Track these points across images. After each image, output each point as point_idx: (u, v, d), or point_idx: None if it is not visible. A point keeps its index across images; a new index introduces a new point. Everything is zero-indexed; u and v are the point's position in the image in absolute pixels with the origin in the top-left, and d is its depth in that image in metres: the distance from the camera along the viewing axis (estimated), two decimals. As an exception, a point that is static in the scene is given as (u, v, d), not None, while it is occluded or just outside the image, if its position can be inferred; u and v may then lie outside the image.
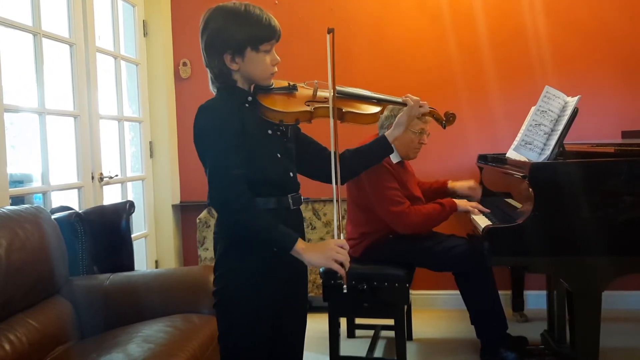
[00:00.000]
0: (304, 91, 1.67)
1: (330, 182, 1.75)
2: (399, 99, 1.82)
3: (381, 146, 1.80)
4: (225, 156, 1.47)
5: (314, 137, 1.79)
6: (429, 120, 2.77)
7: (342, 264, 1.48)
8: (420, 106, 1.79)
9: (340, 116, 1.67)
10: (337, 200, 1.54)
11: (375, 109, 1.72)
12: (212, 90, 1.63)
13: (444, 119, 1.93)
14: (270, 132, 1.59)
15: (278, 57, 1.59)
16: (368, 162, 1.87)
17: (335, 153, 1.57)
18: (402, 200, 2.63)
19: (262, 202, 1.53)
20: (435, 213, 2.66)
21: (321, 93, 1.66)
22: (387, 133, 1.80)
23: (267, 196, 1.54)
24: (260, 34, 1.53)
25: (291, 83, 1.65)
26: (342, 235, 1.55)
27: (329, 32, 1.61)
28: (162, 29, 3.76)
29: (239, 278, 1.54)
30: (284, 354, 1.67)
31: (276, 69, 1.60)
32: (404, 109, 1.80)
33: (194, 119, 1.52)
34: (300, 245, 1.47)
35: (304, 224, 1.74)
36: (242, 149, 1.50)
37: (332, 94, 1.60)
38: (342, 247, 1.50)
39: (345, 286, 1.52)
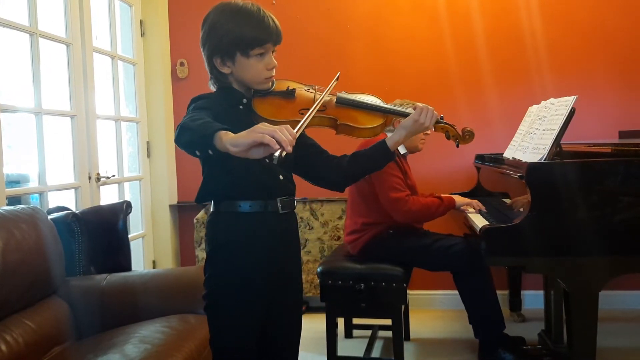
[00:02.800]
0: (304, 97, 1.59)
1: (327, 188, 1.73)
2: (410, 112, 1.67)
3: (381, 153, 1.67)
4: (197, 113, 1.38)
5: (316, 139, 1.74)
6: None
7: (276, 139, 1.15)
8: (431, 116, 1.62)
9: (334, 127, 1.60)
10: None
11: (375, 123, 1.60)
12: (212, 89, 1.61)
13: (461, 136, 1.73)
14: None
15: (274, 61, 1.53)
16: (368, 169, 1.75)
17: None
18: (403, 188, 2.67)
19: (248, 205, 1.51)
20: (433, 206, 2.70)
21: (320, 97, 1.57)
22: (387, 138, 1.66)
23: (253, 199, 1.51)
24: (251, 37, 1.48)
25: (290, 87, 1.58)
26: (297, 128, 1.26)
27: (337, 78, 1.59)
28: (160, 29, 3.75)
29: (225, 280, 1.53)
30: (276, 355, 1.66)
31: (273, 72, 1.54)
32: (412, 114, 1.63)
33: None
34: (223, 132, 1.21)
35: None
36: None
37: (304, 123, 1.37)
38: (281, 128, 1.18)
39: (276, 155, 1.15)
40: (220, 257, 1.54)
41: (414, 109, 1.64)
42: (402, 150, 2.83)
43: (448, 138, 1.73)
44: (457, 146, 1.76)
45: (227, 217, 1.54)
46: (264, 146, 1.16)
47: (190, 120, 1.31)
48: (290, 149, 1.17)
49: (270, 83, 1.57)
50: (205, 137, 1.22)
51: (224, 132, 1.21)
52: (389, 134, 1.73)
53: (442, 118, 1.70)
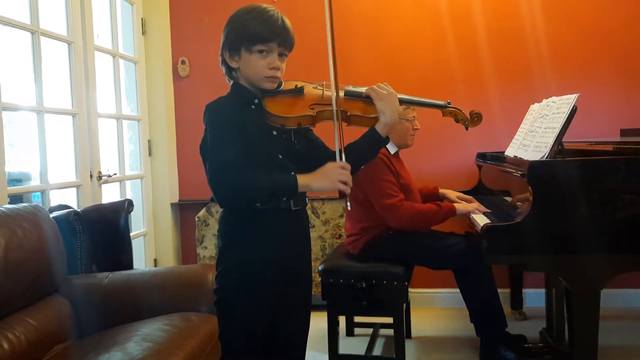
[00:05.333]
0: (312, 93, 1.63)
1: None
2: (417, 99, 1.73)
3: (372, 139, 1.65)
4: (226, 150, 1.47)
5: (320, 136, 1.76)
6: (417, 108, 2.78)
7: (346, 184, 1.53)
8: (381, 87, 1.63)
9: (346, 119, 1.63)
10: (337, 118, 1.56)
11: None
12: (229, 83, 1.65)
13: (469, 119, 1.76)
14: (275, 132, 1.58)
15: (277, 62, 1.55)
16: (362, 159, 1.72)
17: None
18: (396, 194, 2.64)
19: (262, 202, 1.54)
20: (429, 213, 2.65)
21: (328, 93, 1.61)
22: (376, 124, 1.65)
23: None
24: (254, 33, 1.51)
25: (299, 85, 1.62)
26: (343, 157, 1.57)
27: None
28: (161, 27, 3.75)
29: (236, 276, 1.55)
30: (284, 350, 1.67)
31: (277, 73, 1.56)
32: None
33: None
34: (302, 179, 1.52)
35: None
36: (242, 144, 1.50)
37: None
38: (343, 168, 1.54)
39: (349, 204, 1.58)
40: (232, 253, 1.56)
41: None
42: (392, 149, 2.80)
43: (457, 121, 1.78)
44: (467, 129, 1.79)
45: (239, 214, 1.57)
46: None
47: (249, 179, 1.49)
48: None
49: (275, 84, 1.58)
50: (292, 191, 1.53)
51: (303, 181, 1.52)
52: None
53: (449, 103, 1.75)
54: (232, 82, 1.63)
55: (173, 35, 3.84)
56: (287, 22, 1.56)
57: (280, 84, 1.60)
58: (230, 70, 1.61)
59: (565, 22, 3.49)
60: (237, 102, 1.56)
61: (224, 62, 1.60)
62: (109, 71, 3.36)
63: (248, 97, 1.58)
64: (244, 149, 1.50)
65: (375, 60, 3.65)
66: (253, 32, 1.52)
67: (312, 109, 1.58)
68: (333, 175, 1.52)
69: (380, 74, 3.61)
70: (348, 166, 1.54)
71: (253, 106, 1.57)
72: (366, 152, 1.69)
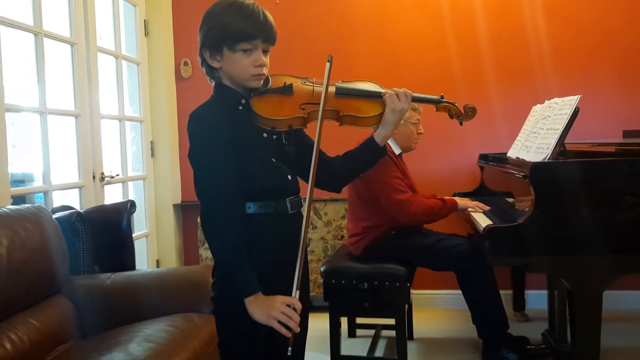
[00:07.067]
0: (302, 91, 1.54)
1: (321, 189, 1.66)
2: (418, 95, 1.64)
3: (370, 150, 1.61)
4: (214, 172, 1.41)
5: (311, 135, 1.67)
6: (422, 111, 2.80)
7: (287, 326, 1.38)
8: (404, 97, 1.55)
9: (338, 119, 1.56)
10: (303, 251, 1.44)
11: (378, 110, 1.56)
12: (211, 83, 1.57)
13: (463, 113, 1.68)
14: (265, 135, 1.52)
15: (263, 59, 1.47)
16: (360, 168, 1.69)
17: (310, 198, 1.44)
18: (406, 190, 2.67)
19: (259, 207, 1.49)
20: (436, 207, 2.70)
21: (319, 89, 1.52)
22: (375, 134, 1.60)
23: (264, 201, 1.49)
24: (237, 31, 1.43)
25: (287, 83, 1.53)
26: (297, 293, 1.41)
27: (328, 61, 1.48)
28: (163, 29, 3.76)
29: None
30: (284, 354, 1.65)
31: (262, 70, 1.48)
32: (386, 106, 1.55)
33: None
34: (251, 298, 1.41)
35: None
36: (232, 158, 1.43)
37: (319, 127, 1.46)
38: (291, 306, 1.39)
39: (290, 349, 1.38)
40: None
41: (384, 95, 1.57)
42: (397, 150, 2.82)
43: (451, 117, 1.70)
44: (461, 124, 1.70)
45: None
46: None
47: (229, 246, 1.43)
48: (297, 328, 1.39)
49: (261, 81, 1.51)
50: (239, 295, 1.42)
51: (249, 300, 1.41)
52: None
53: (442, 97, 1.67)
54: (214, 82, 1.55)
55: (175, 37, 3.85)
56: (269, 15, 1.48)
57: (267, 81, 1.52)
58: (211, 70, 1.52)
59: (567, 23, 3.49)
60: (224, 107, 1.48)
61: (204, 62, 1.51)
62: (111, 72, 3.37)
63: (234, 99, 1.50)
64: (237, 159, 1.44)
65: (377, 62, 3.65)
66: (236, 29, 1.43)
67: (303, 109, 1.49)
68: (271, 312, 1.38)
69: (381, 75, 3.61)
70: (299, 305, 1.39)
71: (240, 107, 1.50)
72: (365, 160, 1.66)
